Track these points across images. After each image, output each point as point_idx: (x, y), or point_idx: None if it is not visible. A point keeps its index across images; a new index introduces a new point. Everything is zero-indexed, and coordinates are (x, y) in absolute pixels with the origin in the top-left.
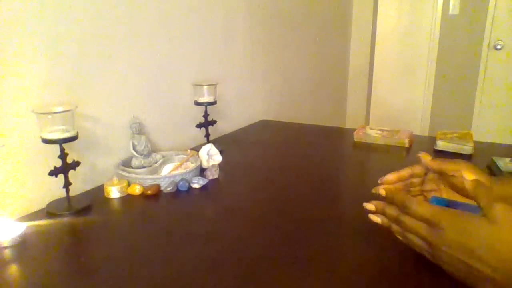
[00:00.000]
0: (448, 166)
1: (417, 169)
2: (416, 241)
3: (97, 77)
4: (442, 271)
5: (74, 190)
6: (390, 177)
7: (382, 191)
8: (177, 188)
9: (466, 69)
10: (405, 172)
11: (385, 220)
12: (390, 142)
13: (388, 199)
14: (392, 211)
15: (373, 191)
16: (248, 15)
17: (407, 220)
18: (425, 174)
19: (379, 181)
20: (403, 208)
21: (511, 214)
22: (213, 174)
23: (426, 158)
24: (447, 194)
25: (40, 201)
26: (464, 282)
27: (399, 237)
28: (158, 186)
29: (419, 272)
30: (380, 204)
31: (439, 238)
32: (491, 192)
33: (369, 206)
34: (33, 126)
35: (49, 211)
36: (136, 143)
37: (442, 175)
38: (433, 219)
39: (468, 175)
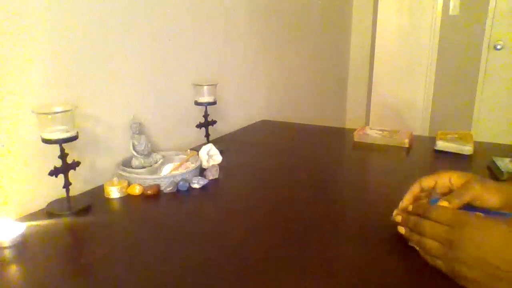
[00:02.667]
0: (467, 198)
1: (425, 182)
2: (434, 245)
3: (97, 77)
4: (440, 273)
5: (74, 190)
6: (408, 198)
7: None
8: (177, 188)
9: (466, 69)
10: (415, 188)
11: (408, 231)
12: (390, 142)
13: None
14: (412, 218)
15: (393, 219)
16: (248, 15)
17: (427, 223)
18: (433, 187)
19: (396, 211)
20: (425, 213)
21: None
22: (213, 174)
23: (445, 204)
24: None
25: (40, 201)
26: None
27: (416, 247)
28: (158, 186)
29: (418, 273)
30: (404, 215)
31: (461, 235)
32: None
33: (397, 218)
34: (33, 126)
35: (49, 211)
36: (136, 143)
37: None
38: (456, 218)
39: (488, 197)
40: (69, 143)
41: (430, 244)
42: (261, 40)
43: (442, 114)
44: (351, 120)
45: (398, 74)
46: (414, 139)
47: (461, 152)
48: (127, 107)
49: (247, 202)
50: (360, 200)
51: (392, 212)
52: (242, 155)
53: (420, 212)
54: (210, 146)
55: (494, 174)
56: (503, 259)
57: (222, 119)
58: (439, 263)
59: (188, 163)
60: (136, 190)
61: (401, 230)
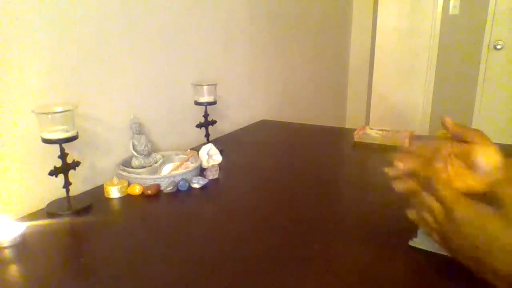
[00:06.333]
0: (468, 133)
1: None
2: (430, 221)
3: (97, 77)
4: (440, 273)
5: (74, 190)
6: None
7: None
8: (177, 188)
9: (466, 69)
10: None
11: (407, 188)
12: (390, 142)
13: (414, 170)
14: (413, 184)
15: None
16: (248, 15)
17: (427, 198)
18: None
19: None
20: (427, 184)
21: None
22: (213, 174)
23: (449, 121)
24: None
25: (40, 201)
26: (467, 264)
27: (412, 212)
28: (158, 186)
29: (418, 273)
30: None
31: (451, 227)
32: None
33: (398, 165)
34: (33, 126)
35: (49, 211)
36: (136, 143)
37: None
38: (449, 206)
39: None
40: (69, 143)
41: (427, 218)
42: (261, 40)
43: (442, 114)
44: (351, 120)
45: (398, 74)
46: (414, 139)
47: None
48: (127, 107)
49: (247, 202)
50: (360, 200)
51: (392, 215)
52: (242, 155)
53: (424, 177)
54: (210, 146)
55: None
56: (497, 259)
57: (222, 119)
58: (435, 237)
59: (188, 163)
60: (136, 190)
61: (399, 186)
